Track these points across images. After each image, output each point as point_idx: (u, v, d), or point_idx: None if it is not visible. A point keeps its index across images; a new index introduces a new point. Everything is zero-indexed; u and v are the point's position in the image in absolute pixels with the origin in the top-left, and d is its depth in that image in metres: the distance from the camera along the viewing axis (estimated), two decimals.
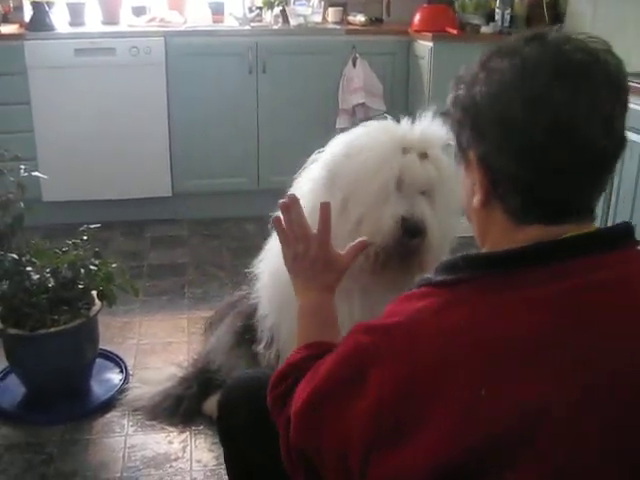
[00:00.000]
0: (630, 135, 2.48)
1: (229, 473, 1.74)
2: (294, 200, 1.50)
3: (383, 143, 1.90)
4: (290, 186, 2.02)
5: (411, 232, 1.86)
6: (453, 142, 1.19)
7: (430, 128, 1.93)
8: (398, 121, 1.98)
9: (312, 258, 1.48)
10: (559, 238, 1.05)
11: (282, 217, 1.51)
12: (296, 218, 1.49)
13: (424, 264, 1.87)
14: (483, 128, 1.06)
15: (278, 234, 1.53)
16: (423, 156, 1.90)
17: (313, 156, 2.02)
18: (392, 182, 1.88)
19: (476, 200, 1.12)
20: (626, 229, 1.10)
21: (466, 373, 0.99)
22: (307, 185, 1.99)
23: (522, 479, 0.96)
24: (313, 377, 1.17)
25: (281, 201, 1.50)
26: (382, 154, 1.88)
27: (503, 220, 1.10)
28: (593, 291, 1.02)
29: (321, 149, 2.02)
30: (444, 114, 1.22)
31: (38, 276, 2.53)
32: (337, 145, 1.98)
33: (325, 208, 1.49)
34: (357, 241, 1.56)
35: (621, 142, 1.07)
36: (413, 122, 1.96)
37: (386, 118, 2.01)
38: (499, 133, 1.04)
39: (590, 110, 1.01)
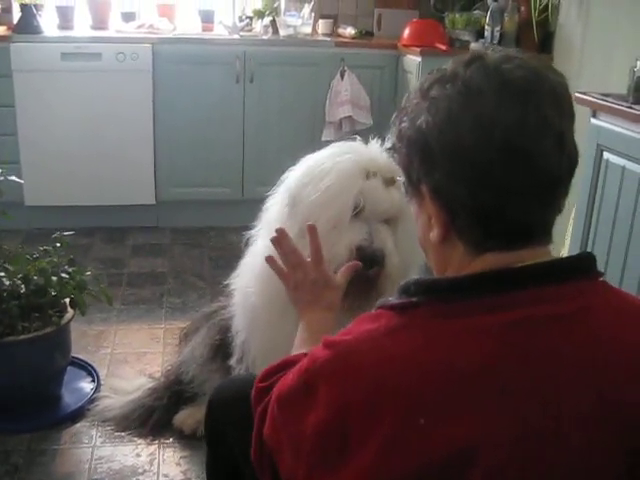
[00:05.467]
0: (612, 158, 2.48)
1: (211, 476, 1.73)
2: (283, 233, 1.63)
3: (345, 167, 1.83)
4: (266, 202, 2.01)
5: (367, 262, 1.78)
6: (402, 178, 1.16)
7: None
8: (367, 140, 1.93)
9: (312, 280, 1.60)
10: (514, 266, 1.02)
11: (276, 251, 1.64)
12: (288, 248, 1.63)
13: (382, 294, 1.76)
14: (433, 159, 1.03)
15: (274, 271, 1.65)
16: (389, 182, 1.83)
17: (286, 173, 1.97)
18: (349, 208, 1.81)
19: (434, 235, 1.09)
20: (587, 259, 1.08)
21: (403, 401, 0.97)
22: (274, 208, 1.96)
23: None
24: (284, 379, 1.17)
25: (272, 237, 1.64)
26: (342, 179, 1.81)
27: (463, 251, 1.07)
28: (545, 323, 0.99)
29: (292, 166, 1.96)
30: (390, 149, 1.19)
31: (9, 282, 2.50)
32: (301, 167, 1.92)
33: (312, 230, 1.61)
34: (351, 262, 1.69)
35: (574, 157, 1.05)
36: (383, 144, 1.88)
37: (355, 139, 1.95)
38: (450, 162, 1.01)
39: (540, 129, 0.99)
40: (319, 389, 1.05)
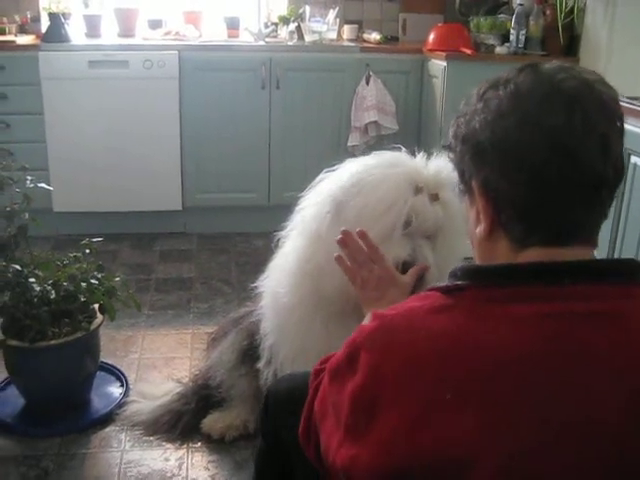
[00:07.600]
0: None
1: (264, 469, 1.77)
2: (348, 234, 1.71)
3: (396, 180, 1.83)
4: (299, 204, 2.02)
5: None
6: (455, 175, 1.20)
7: (444, 167, 1.84)
8: (413, 151, 1.93)
9: (377, 277, 1.69)
10: (557, 260, 1.05)
11: (342, 251, 1.72)
12: (354, 247, 1.70)
13: None
14: (483, 155, 1.08)
15: (343, 269, 1.73)
16: (434, 197, 1.84)
17: (321, 175, 1.98)
18: (400, 223, 1.82)
19: (481, 229, 1.13)
20: (631, 264, 1.09)
21: (432, 375, 1.00)
22: (311, 209, 1.96)
23: None
24: (336, 354, 1.21)
25: (338, 238, 1.71)
26: (394, 192, 1.82)
27: (507, 247, 1.11)
28: (583, 319, 1.01)
29: (329, 169, 1.97)
30: (446, 147, 1.23)
31: (40, 288, 2.52)
32: (347, 174, 1.91)
33: (364, 235, 1.69)
34: (421, 264, 1.79)
35: (620, 166, 1.07)
36: (428, 158, 1.90)
37: (400, 149, 1.95)
38: (498, 158, 1.06)
39: (586, 131, 1.02)
40: (361, 357, 1.09)
